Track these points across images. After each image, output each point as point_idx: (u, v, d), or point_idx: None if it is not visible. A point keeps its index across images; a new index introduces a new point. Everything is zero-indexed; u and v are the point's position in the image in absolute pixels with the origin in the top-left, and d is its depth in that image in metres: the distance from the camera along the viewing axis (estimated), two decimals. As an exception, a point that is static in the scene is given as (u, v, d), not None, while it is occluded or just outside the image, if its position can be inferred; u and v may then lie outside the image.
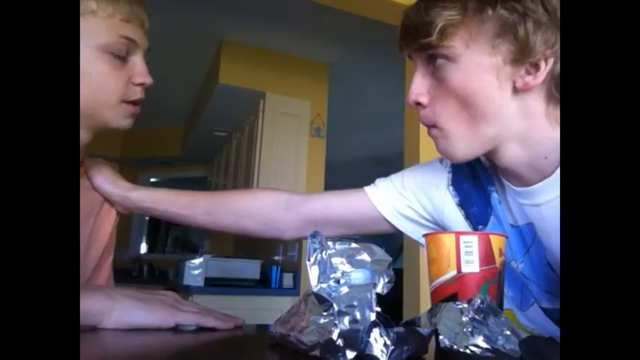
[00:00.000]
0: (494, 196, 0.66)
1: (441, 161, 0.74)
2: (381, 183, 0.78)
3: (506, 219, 0.65)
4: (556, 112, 0.56)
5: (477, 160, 0.68)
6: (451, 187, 0.71)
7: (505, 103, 0.55)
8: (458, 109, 0.56)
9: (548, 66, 0.53)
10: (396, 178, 0.77)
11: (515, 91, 0.54)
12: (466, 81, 0.54)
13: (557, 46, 0.52)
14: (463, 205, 0.69)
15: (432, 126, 0.59)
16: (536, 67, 0.53)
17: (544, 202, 0.57)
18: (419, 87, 0.58)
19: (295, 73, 3.21)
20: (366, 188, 0.78)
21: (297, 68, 3.22)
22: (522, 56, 0.53)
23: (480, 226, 0.67)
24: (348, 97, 3.72)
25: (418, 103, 0.59)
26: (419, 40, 0.55)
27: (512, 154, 0.58)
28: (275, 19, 2.79)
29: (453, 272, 0.49)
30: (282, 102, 3.14)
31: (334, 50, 3.13)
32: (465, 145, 0.58)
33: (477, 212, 0.67)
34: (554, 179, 0.56)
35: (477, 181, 0.68)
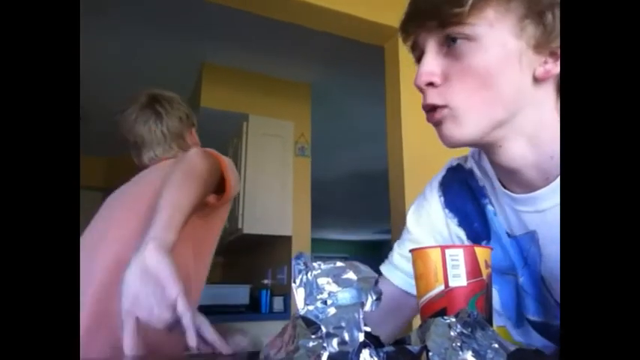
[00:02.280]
0: (489, 208, 0.64)
1: (431, 189, 0.72)
2: (394, 255, 0.74)
3: (503, 231, 0.63)
4: None
5: (470, 173, 0.67)
6: (447, 210, 0.69)
7: (523, 89, 0.52)
8: (475, 90, 0.52)
9: None
10: (402, 242, 0.73)
11: (535, 80, 0.53)
12: (489, 60, 0.51)
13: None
14: (463, 224, 0.67)
15: (440, 107, 0.54)
16: (557, 55, 0.52)
17: (548, 207, 0.55)
18: (432, 66, 0.54)
19: (278, 94, 3.24)
20: (383, 269, 0.74)
21: (280, 89, 3.25)
22: (545, 42, 0.51)
23: (484, 242, 0.65)
24: (331, 116, 3.76)
25: (430, 84, 0.54)
26: (445, 12, 0.51)
27: (516, 151, 0.55)
28: (256, 41, 2.82)
29: (440, 287, 0.49)
30: (265, 123, 3.15)
31: (316, 70, 3.17)
32: (472, 128, 0.53)
33: (479, 228, 0.65)
34: (558, 184, 0.54)
35: (472, 195, 0.66)
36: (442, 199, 0.70)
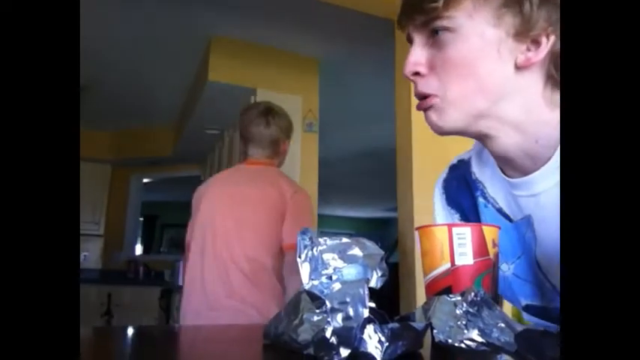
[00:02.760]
0: (480, 201, 0.66)
1: (437, 187, 0.75)
2: None
3: (496, 221, 0.64)
4: (554, 95, 0.55)
5: (468, 166, 0.69)
6: (448, 207, 0.72)
7: (505, 78, 0.54)
8: (457, 78, 0.54)
9: (549, 43, 0.52)
10: None
11: (517, 67, 0.54)
12: (467, 50, 0.53)
13: (559, 24, 0.52)
14: (463, 218, 0.70)
15: (429, 96, 0.56)
16: (537, 43, 0.53)
17: (541, 191, 0.57)
18: (417, 57, 0.56)
19: (286, 68, 3.20)
20: None
21: (288, 64, 3.20)
22: (525, 30, 0.52)
23: None
24: (339, 92, 3.71)
25: (416, 73, 0.57)
26: (424, 6, 0.54)
27: (508, 141, 0.57)
28: (264, 14, 2.77)
29: (446, 265, 0.49)
30: (273, 98, 3.09)
31: (325, 45, 3.11)
32: (454, 117, 0.55)
33: (474, 222, 0.68)
34: (550, 167, 0.55)
35: (468, 190, 0.69)
36: (444, 196, 0.73)
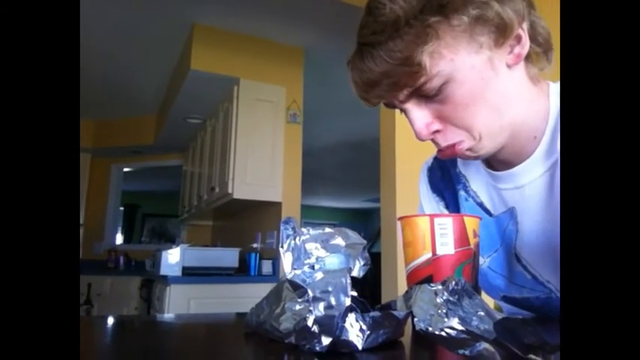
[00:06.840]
0: (461, 194, 0.67)
1: (421, 174, 0.76)
2: None
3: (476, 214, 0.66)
4: (533, 69, 0.57)
5: (453, 159, 0.69)
6: (434, 195, 0.73)
7: (505, 85, 0.54)
8: (474, 115, 0.54)
9: (526, 30, 0.54)
10: None
11: (509, 67, 0.55)
12: (469, 88, 0.52)
13: (525, 9, 0.53)
14: (448, 207, 0.71)
15: (455, 143, 0.55)
16: (518, 37, 0.54)
17: (527, 182, 0.58)
18: (424, 119, 0.55)
19: (270, 58, 3.16)
20: None
21: (272, 53, 3.17)
22: (504, 35, 0.52)
23: None
24: (323, 82, 3.70)
25: (435, 132, 0.55)
26: (409, 82, 0.52)
27: (511, 142, 0.57)
28: (248, 2, 2.73)
29: (428, 255, 0.49)
30: (256, 88, 3.09)
31: (309, 34, 3.09)
32: (489, 144, 0.55)
33: (454, 212, 0.70)
34: (535, 159, 0.57)
35: (450, 181, 0.70)
36: (429, 184, 0.74)
